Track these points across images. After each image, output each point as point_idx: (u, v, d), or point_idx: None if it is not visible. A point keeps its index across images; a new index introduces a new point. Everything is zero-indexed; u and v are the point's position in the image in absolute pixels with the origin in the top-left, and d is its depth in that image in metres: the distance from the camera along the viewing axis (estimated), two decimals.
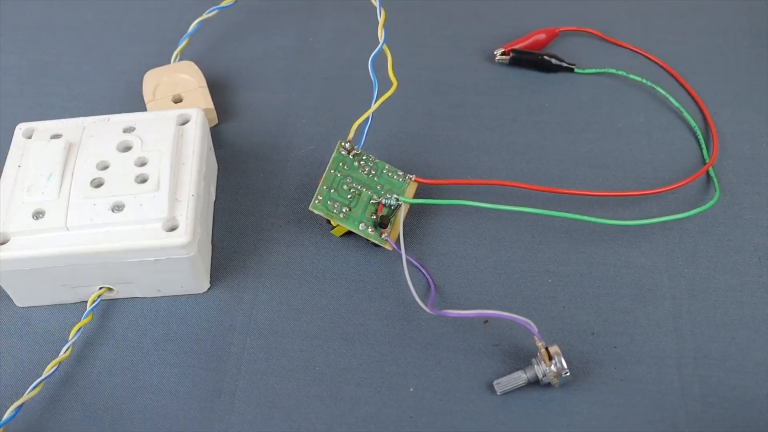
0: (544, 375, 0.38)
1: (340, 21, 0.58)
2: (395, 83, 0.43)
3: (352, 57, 0.56)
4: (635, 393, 0.39)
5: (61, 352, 0.40)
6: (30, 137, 0.44)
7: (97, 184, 0.41)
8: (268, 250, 0.45)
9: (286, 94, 0.53)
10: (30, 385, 0.39)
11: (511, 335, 0.41)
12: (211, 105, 0.51)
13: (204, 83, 0.51)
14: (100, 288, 0.42)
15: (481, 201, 0.43)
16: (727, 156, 0.49)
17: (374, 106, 0.43)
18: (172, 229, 0.40)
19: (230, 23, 0.59)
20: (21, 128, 0.45)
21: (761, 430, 0.38)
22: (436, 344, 0.41)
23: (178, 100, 0.50)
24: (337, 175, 0.44)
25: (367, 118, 0.44)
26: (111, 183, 0.41)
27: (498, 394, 0.39)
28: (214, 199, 0.47)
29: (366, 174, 0.44)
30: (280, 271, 0.44)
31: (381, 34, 0.44)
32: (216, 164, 0.48)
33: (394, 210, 0.44)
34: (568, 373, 0.38)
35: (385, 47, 0.43)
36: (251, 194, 0.48)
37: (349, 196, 0.44)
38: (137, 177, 0.41)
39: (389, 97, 0.43)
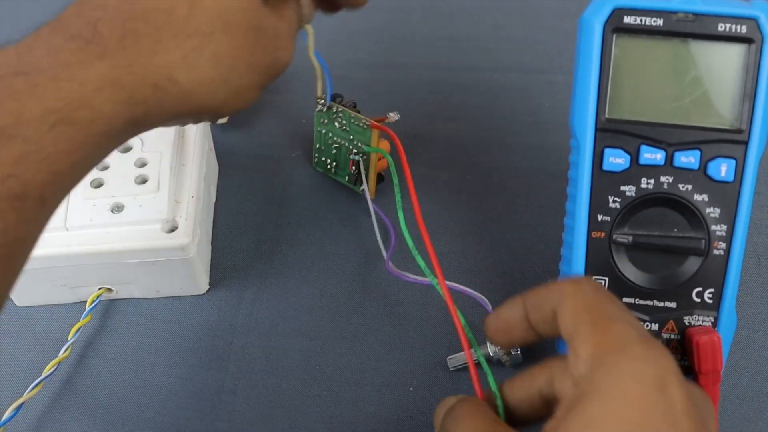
0: (494, 352, 0.39)
1: (340, 21, 0.58)
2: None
3: (352, 57, 0.56)
4: None
5: (61, 352, 0.40)
6: None
7: (97, 184, 0.41)
8: (268, 250, 0.45)
9: (286, 94, 0.53)
10: (30, 384, 0.39)
11: None
12: None
13: None
14: (100, 288, 0.42)
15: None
16: None
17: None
18: (172, 230, 0.40)
19: None
20: None
21: (761, 429, 0.38)
22: (437, 344, 0.41)
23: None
24: (321, 132, 0.46)
25: (328, 72, 0.45)
26: (111, 184, 0.41)
27: (450, 369, 0.40)
28: (214, 200, 0.47)
29: (340, 128, 0.45)
30: (280, 271, 0.44)
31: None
32: (217, 165, 0.48)
33: (364, 162, 0.44)
34: (518, 352, 0.39)
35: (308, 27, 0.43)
36: (251, 194, 0.48)
37: (333, 152, 0.45)
38: (137, 178, 0.41)
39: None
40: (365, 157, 0.44)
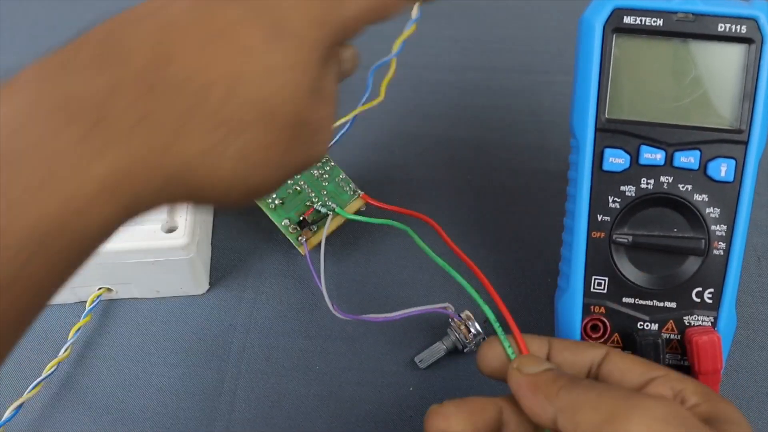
0: (464, 345, 0.39)
1: None
2: (382, 95, 0.40)
3: None
4: None
5: (61, 352, 0.40)
6: None
7: None
8: (268, 250, 0.45)
9: None
10: (30, 384, 0.39)
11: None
12: None
13: None
14: (100, 288, 0.42)
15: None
16: None
17: (353, 112, 0.41)
18: (171, 230, 0.40)
19: None
20: None
21: (761, 429, 0.38)
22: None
23: None
24: None
25: (345, 123, 0.41)
26: None
27: (422, 368, 0.40)
28: None
29: (316, 177, 0.43)
30: (280, 271, 0.44)
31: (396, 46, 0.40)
32: None
33: (323, 217, 0.42)
34: (484, 337, 0.39)
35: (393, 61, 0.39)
36: None
37: (289, 191, 0.42)
38: None
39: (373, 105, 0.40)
40: (329, 215, 0.42)
